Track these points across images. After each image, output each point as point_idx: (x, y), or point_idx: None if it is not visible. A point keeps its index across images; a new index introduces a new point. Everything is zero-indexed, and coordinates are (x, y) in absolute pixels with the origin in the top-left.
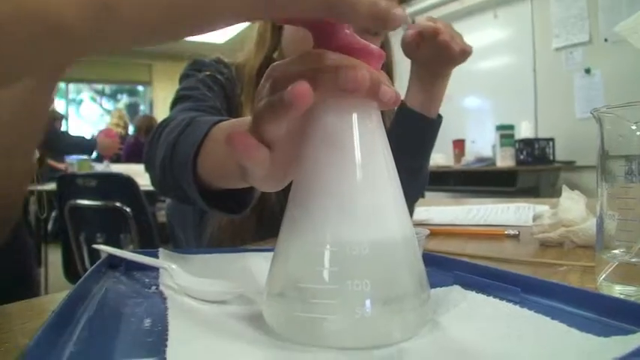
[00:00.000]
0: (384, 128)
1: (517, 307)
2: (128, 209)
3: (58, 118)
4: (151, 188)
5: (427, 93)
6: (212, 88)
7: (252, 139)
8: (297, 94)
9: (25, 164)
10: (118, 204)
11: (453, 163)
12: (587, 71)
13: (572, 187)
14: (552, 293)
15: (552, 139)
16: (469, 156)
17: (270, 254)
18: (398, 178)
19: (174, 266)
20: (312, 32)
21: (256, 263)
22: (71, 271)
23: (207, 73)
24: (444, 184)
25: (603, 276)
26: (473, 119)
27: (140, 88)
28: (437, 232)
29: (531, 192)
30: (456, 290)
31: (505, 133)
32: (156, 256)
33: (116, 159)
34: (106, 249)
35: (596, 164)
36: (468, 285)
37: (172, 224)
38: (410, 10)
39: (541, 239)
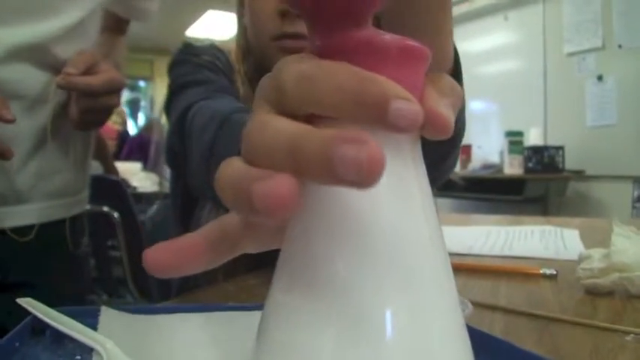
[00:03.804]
0: (424, 167)
1: None
2: (116, 214)
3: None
4: (142, 191)
5: None
6: (216, 73)
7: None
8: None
9: None
10: (105, 208)
11: (459, 169)
12: (600, 78)
13: (581, 197)
14: None
15: (562, 148)
16: (475, 162)
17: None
18: (444, 248)
19: (109, 345)
20: (308, 21)
21: (240, 331)
22: None
23: (207, 58)
24: (449, 190)
25: None
26: (479, 124)
27: (142, 84)
28: (460, 267)
29: (539, 201)
30: None
31: (514, 139)
32: (96, 316)
33: (115, 156)
34: (29, 306)
35: None
36: None
37: (155, 235)
38: None
39: (588, 286)
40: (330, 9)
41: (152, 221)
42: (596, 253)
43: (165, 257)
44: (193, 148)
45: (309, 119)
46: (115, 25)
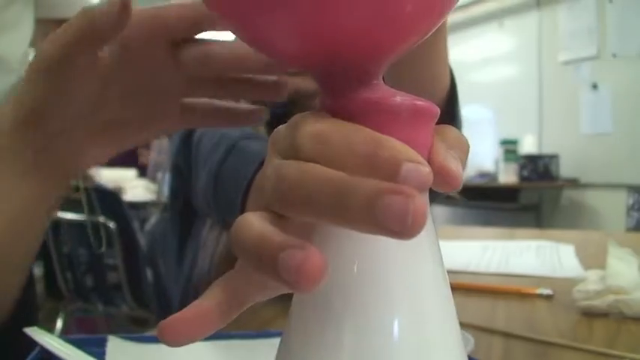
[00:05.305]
0: (431, 217)
1: None
2: (112, 225)
3: None
4: (138, 199)
5: None
6: None
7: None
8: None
9: (13, 279)
10: (101, 219)
11: None
12: (594, 86)
13: (576, 205)
14: None
15: (557, 156)
16: (470, 170)
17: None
18: (449, 291)
19: None
20: (320, 83)
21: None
22: (54, 289)
23: None
24: (443, 197)
25: None
26: (473, 132)
27: None
28: (457, 286)
29: (533, 209)
30: None
31: (509, 147)
32: (103, 345)
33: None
34: (38, 337)
35: None
36: None
37: (153, 249)
38: None
39: (583, 308)
40: (340, 72)
41: (151, 236)
42: (592, 274)
43: (181, 329)
44: (199, 171)
45: None
46: None
